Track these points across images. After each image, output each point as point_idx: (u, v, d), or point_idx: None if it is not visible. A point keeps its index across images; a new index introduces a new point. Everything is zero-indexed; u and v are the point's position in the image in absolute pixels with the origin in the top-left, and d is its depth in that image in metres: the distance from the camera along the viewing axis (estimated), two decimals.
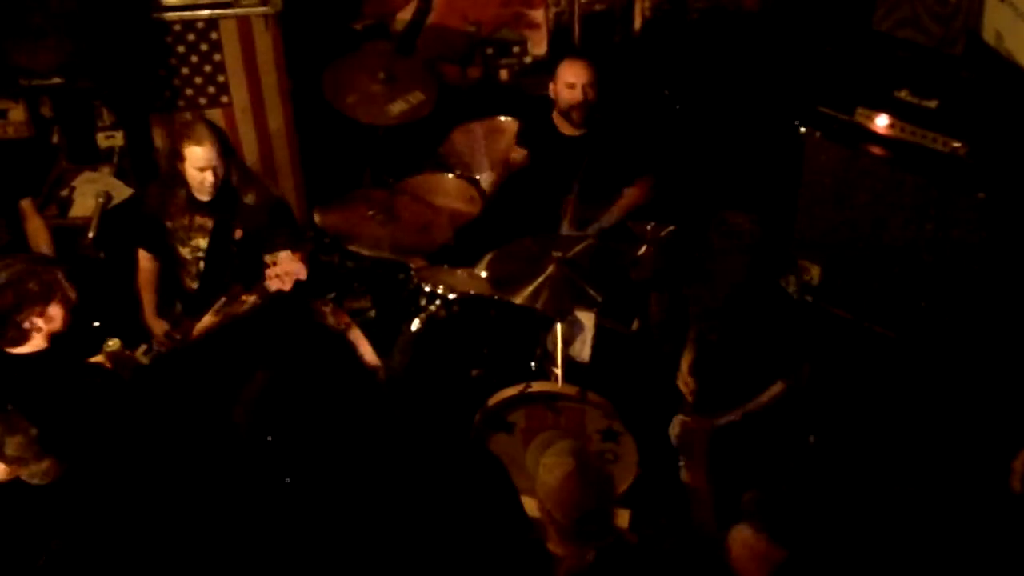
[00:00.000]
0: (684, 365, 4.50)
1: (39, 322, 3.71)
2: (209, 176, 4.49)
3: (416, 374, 4.72)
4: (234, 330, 4.55)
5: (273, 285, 4.42)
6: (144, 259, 4.83)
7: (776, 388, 4.44)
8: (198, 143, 4.46)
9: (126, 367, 4.03)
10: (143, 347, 4.23)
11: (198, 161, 4.48)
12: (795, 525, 3.26)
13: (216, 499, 3.95)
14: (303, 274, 4.40)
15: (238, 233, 4.65)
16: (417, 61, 5.90)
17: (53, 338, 3.77)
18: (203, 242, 4.68)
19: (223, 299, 4.36)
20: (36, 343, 3.74)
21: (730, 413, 4.42)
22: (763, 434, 4.45)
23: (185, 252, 4.72)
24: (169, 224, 4.68)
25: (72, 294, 3.79)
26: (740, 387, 4.44)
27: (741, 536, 3.24)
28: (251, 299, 4.37)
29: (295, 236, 4.68)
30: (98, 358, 4.00)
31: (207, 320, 4.35)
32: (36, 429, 3.31)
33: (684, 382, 4.47)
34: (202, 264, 4.72)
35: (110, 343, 4.14)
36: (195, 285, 4.77)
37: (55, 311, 3.74)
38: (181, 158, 4.52)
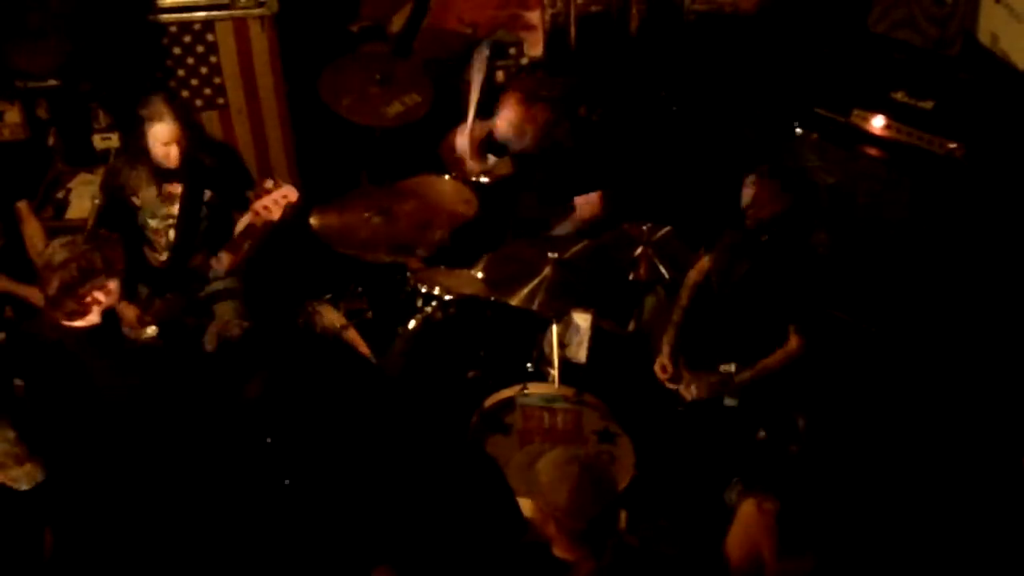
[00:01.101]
0: (665, 347, 4.49)
1: (100, 295, 3.80)
2: (174, 149, 4.51)
3: (413, 375, 4.71)
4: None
5: (261, 218, 4.41)
6: None
7: (793, 345, 4.34)
8: (159, 119, 4.47)
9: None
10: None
11: (163, 136, 4.49)
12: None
13: (213, 497, 3.94)
14: (293, 195, 4.41)
15: (207, 195, 4.65)
16: (413, 63, 5.89)
17: (105, 314, 3.85)
18: (174, 209, 4.68)
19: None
20: (91, 318, 3.80)
21: (746, 370, 4.33)
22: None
23: (155, 223, 4.70)
24: (137, 200, 4.67)
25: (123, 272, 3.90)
26: (752, 341, 4.39)
27: (744, 512, 3.24)
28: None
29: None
30: None
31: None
32: (15, 432, 3.32)
33: (662, 365, 4.46)
34: (172, 233, 4.72)
35: (148, 330, 4.19)
36: (163, 257, 4.75)
37: (114, 285, 3.84)
38: (144, 136, 4.53)
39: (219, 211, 4.67)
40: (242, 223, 4.51)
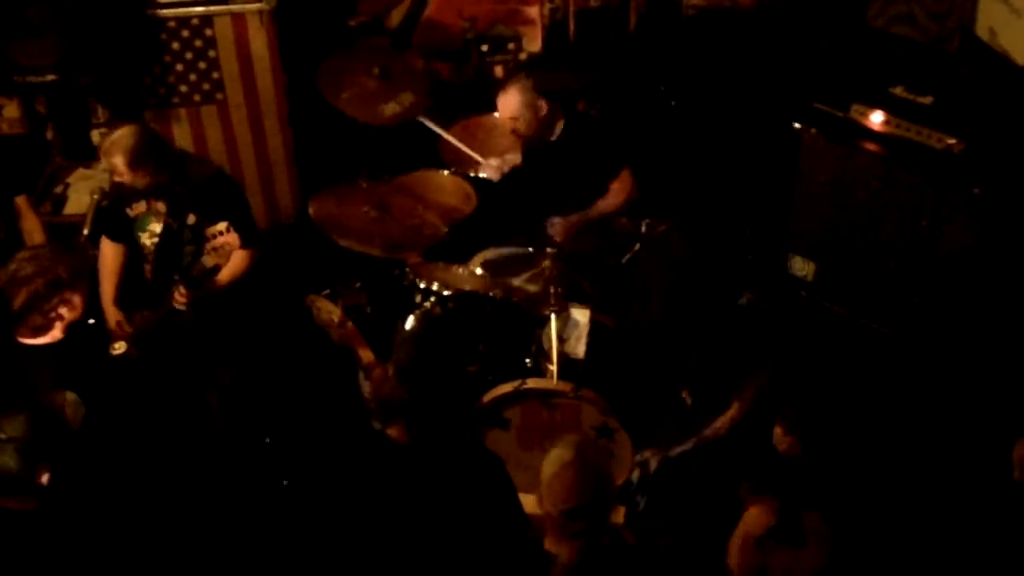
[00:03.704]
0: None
1: (63, 310, 3.75)
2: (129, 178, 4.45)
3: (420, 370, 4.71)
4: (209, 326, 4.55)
5: (210, 260, 4.41)
6: (107, 247, 4.76)
7: (732, 411, 4.40)
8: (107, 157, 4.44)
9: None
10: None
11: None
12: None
13: (209, 498, 3.95)
14: (234, 242, 4.39)
15: (191, 218, 4.61)
16: (411, 58, 5.89)
17: (69, 329, 3.79)
18: (158, 227, 4.64)
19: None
20: (54, 334, 3.77)
21: (684, 443, 4.40)
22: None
23: (144, 238, 4.68)
24: (130, 212, 4.66)
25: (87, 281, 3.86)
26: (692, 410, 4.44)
27: (751, 516, 3.26)
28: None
29: (242, 215, 4.63)
30: None
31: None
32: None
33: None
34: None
35: (116, 345, 4.15)
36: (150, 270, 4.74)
37: (78, 299, 3.78)
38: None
39: (202, 235, 4.61)
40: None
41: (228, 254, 4.41)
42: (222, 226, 4.38)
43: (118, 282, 4.74)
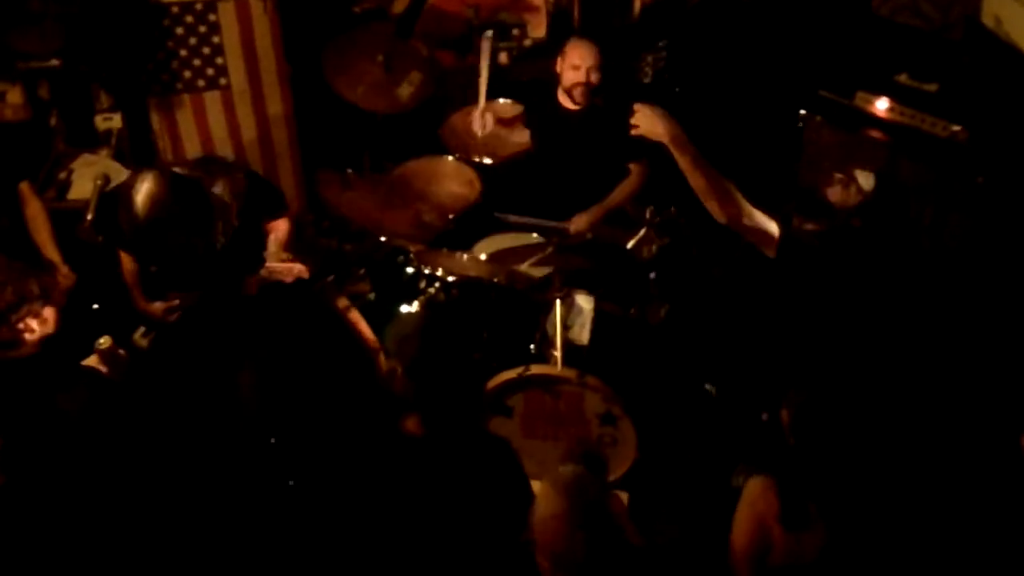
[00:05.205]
0: None
1: (33, 323, 3.68)
2: None
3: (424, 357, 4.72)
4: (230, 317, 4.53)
5: (271, 277, 4.37)
6: (126, 258, 4.78)
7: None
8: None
9: (118, 365, 3.97)
10: (141, 329, 4.20)
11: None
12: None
13: (217, 496, 3.93)
14: (304, 275, 4.38)
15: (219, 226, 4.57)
16: (412, 43, 5.88)
17: (43, 343, 3.73)
18: None
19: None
20: (28, 349, 3.71)
21: None
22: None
23: None
24: None
25: (64, 301, 3.79)
26: None
27: (751, 492, 3.26)
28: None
29: (278, 202, 4.61)
30: (91, 359, 3.94)
31: None
32: None
33: None
34: None
35: (101, 341, 4.11)
36: None
37: (50, 314, 3.71)
38: None
39: (240, 237, 4.60)
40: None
41: (290, 273, 4.39)
42: (285, 255, 4.37)
43: (140, 281, 4.73)
